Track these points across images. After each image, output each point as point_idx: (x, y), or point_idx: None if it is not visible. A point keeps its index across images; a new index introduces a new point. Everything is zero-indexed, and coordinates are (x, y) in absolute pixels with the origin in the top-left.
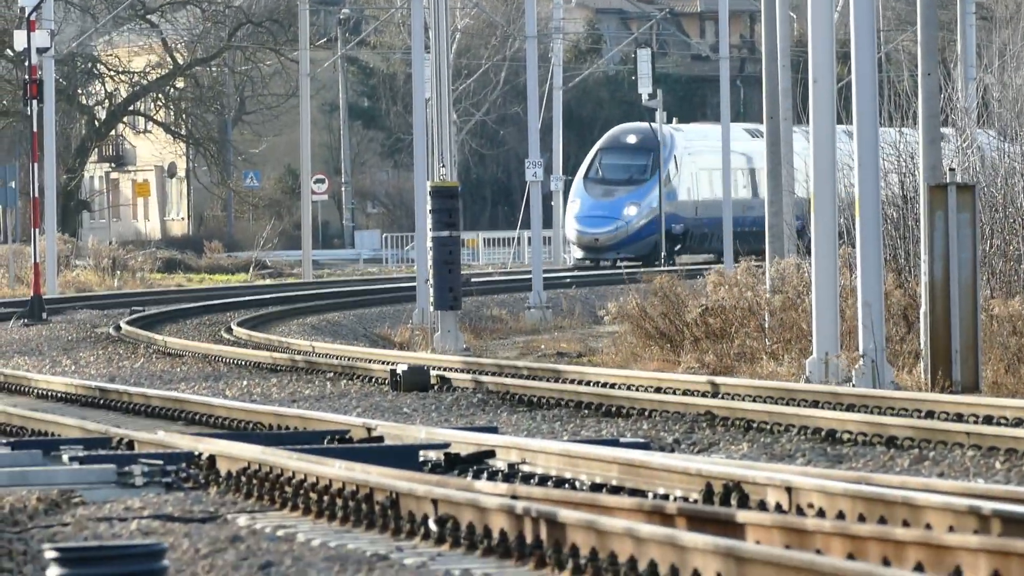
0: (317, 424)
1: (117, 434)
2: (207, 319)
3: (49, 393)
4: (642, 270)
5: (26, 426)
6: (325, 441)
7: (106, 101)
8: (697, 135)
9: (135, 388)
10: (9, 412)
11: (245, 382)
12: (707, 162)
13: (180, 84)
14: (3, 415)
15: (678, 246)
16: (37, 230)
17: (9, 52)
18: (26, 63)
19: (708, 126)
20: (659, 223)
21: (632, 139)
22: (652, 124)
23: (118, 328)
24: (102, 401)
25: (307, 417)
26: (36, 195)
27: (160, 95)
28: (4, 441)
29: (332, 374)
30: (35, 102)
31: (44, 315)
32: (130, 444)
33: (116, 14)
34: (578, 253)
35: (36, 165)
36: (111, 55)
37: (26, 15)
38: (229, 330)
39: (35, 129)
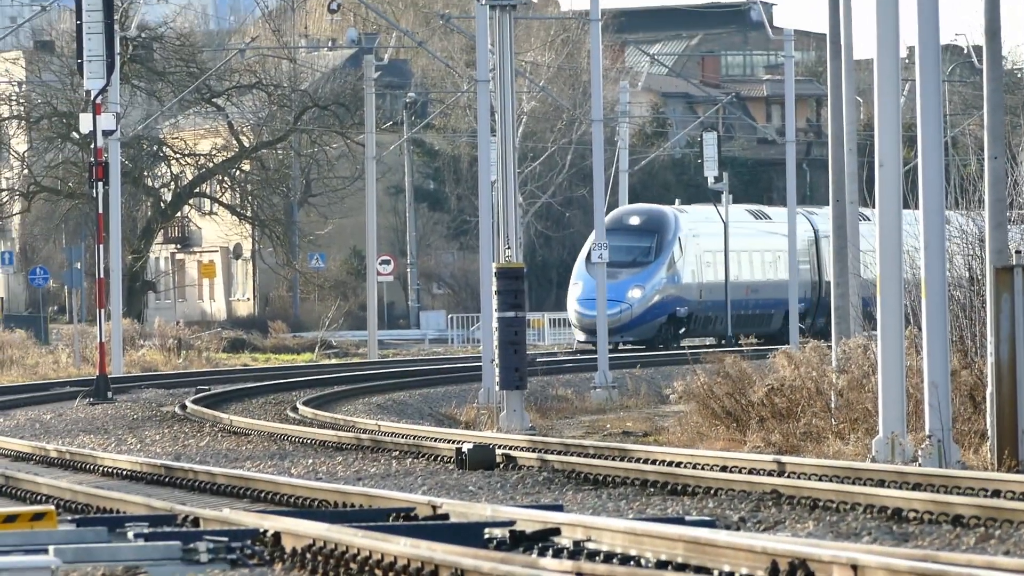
0: (382, 502)
1: (182, 511)
2: (272, 398)
3: (115, 471)
4: (645, 353)
5: (92, 503)
6: (390, 518)
7: (172, 183)
8: (700, 216)
9: (200, 466)
10: (75, 490)
11: (311, 460)
12: (710, 244)
13: (246, 167)
14: (69, 493)
15: (683, 329)
16: (102, 310)
17: (75, 135)
18: (92, 146)
19: (710, 207)
20: (663, 306)
21: (635, 220)
22: (657, 206)
23: (184, 407)
24: (168, 479)
25: (372, 495)
26: (101, 276)
27: (226, 177)
28: (70, 518)
29: (398, 452)
30: (101, 184)
31: (110, 394)
32: (195, 521)
33: (182, 97)
34: (580, 335)
35: (102, 247)
36: (177, 138)
37: (92, 98)
38: (295, 409)
39: (101, 211)
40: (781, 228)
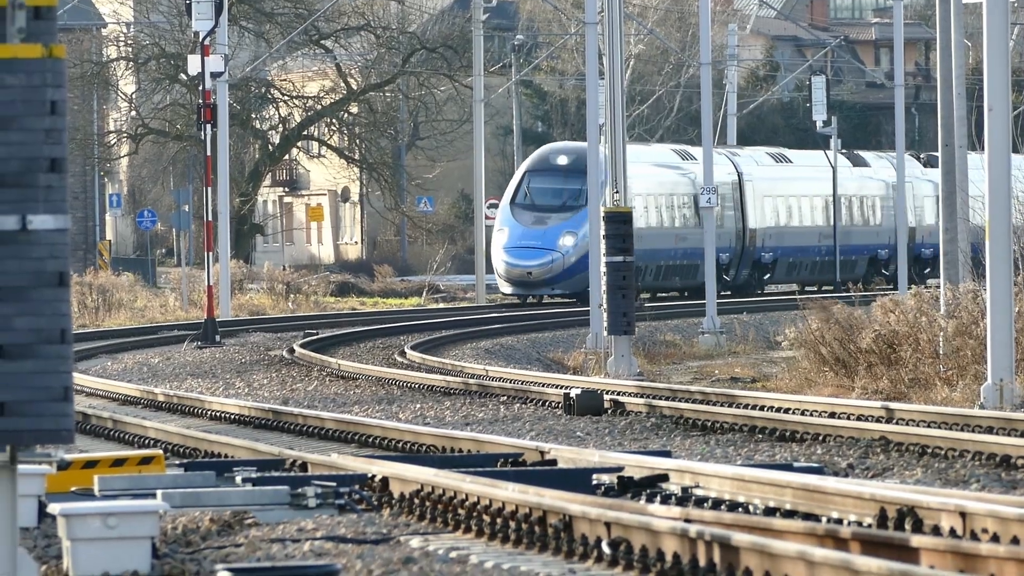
0: (490, 447)
1: (290, 456)
2: (380, 343)
3: (223, 415)
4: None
5: (199, 448)
6: (498, 464)
7: (280, 126)
8: (631, 156)
9: (309, 411)
10: (183, 434)
11: (418, 405)
12: (642, 186)
13: (354, 109)
14: (177, 437)
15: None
16: (211, 253)
17: (183, 77)
18: (200, 88)
19: (640, 147)
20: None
21: (564, 160)
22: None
23: (292, 351)
24: (275, 423)
25: (480, 440)
26: (209, 219)
27: (334, 120)
28: (178, 462)
29: (505, 398)
30: (209, 127)
31: (218, 338)
32: (303, 466)
33: (290, 39)
34: (506, 288)
35: (210, 189)
36: (285, 80)
37: (200, 40)
38: (403, 353)
39: (209, 153)
40: (697, 168)
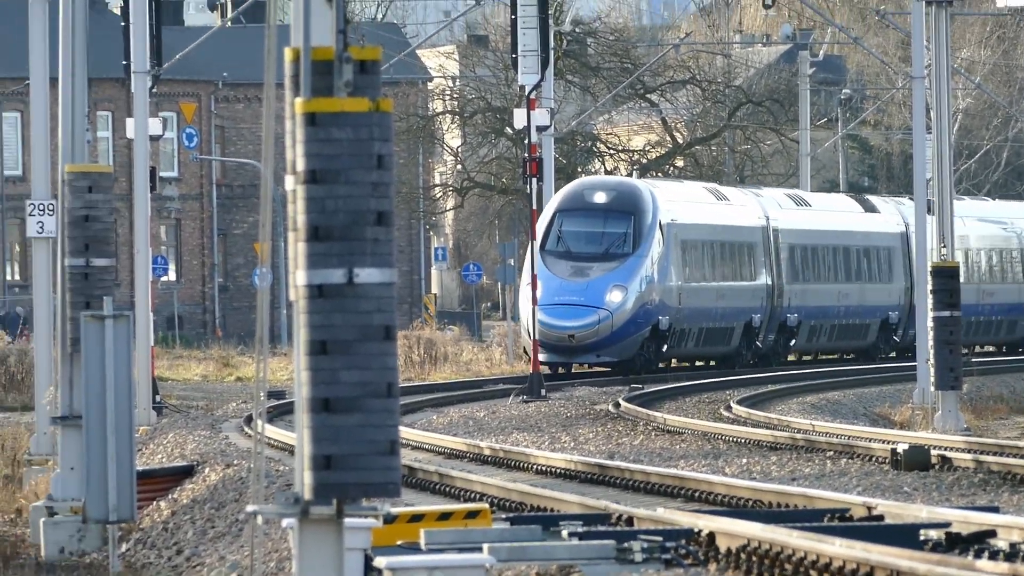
0: (817, 502)
1: (616, 510)
2: (706, 397)
3: (548, 469)
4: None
5: (525, 501)
6: (825, 519)
7: None
8: (681, 194)
9: (635, 465)
10: (509, 487)
11: (744, 460)
12: (699, 233)
13: (679, 163)
14: (503, 491)
15: (664, 346)
16: (534, 307)
17: (509, 130)
18: (526, 141)
19: (690, 184)
20: (647, 314)
21: (603, 198)
22: (627, 178)
23: (617, 405)
24: (601, 478)
25: (807, 495)
26: (535, 272)
27: (659, 173)
28: (504, 516)
29: (832, 452)
30: (535, 180)
31: (543, 392)
32: (629, 520)
33: (616, 93)
34: (539, 354)
35: (535, 242)
36: (611, 133)
37: (526, 93)
38: (728, 408)
39: (535, 207)
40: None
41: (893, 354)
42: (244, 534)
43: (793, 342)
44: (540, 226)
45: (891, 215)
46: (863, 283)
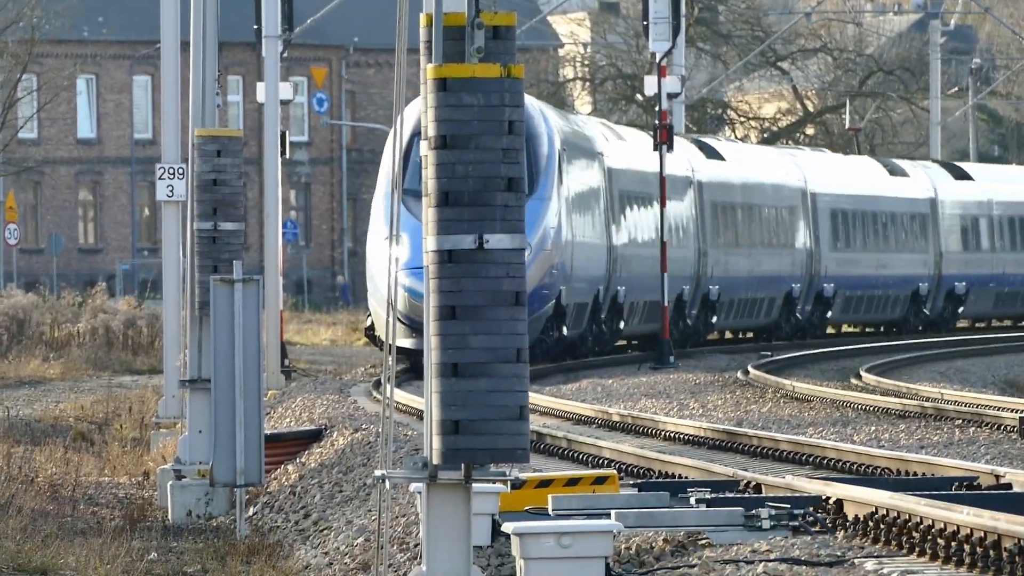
0: (945, 470)
1: (744, 477)
2: (834, 365)
3: (677, 436)
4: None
5: (653, 468)
6: (952, 487)
7: None
8: (575, 124)
9: (763, 432)
10: (637, 454)
11: (873, 427)
12: (626, 167)
13: (810, 131)
14: (632, 457)
15: (565, 325)
16: (665, 274)
17: (639, 97)
18: (656, 108)
19: (585, 118)
20: (557, 275)
21: None
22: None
23: (746, 372)
24: (729, 444)
25: (934, 463)
26: (664, 239)
27: (790, 141)
28: (632, 483)
29: (960, 421)
30: (664, 147)
31: (672, 359)
32: (757, 488)
33: (747, 61)
34: (402, 337)
35: (665, 210)
36: (741, 101)
37: (657, 60)
38: (857, 375)
39: (663, 174)
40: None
41: (921, 328)
42: (372, 498)
43: (829, 313)
44: (391, 157)
45: (920, 181)
46: (892, 253)
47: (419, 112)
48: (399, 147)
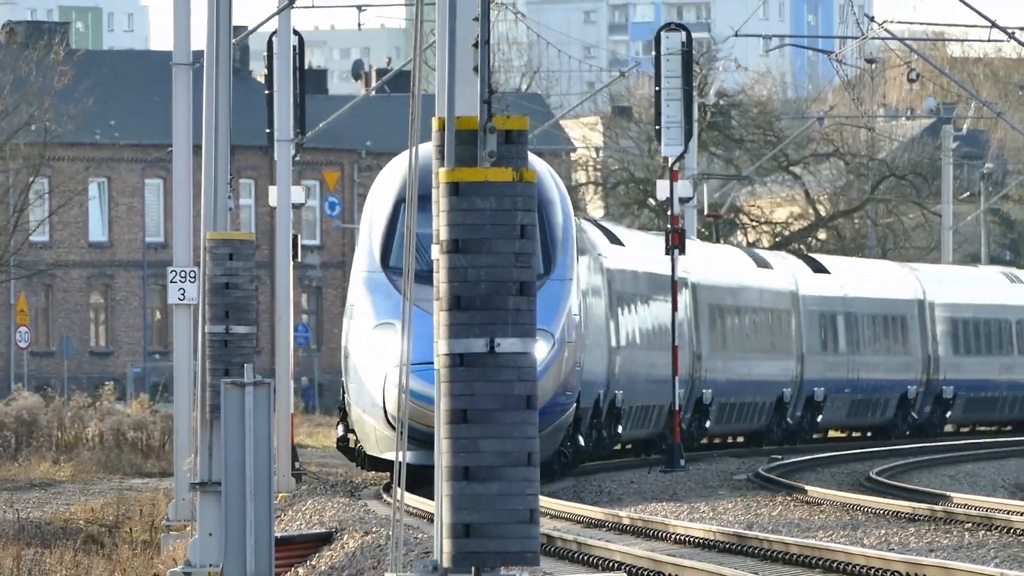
0: (954, 574)
1: None
2: (845, 468)
3: (687, 539)
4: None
5: (663, 571)
6: None
7: None
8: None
9: (773, 535)
10: (648, 557)
11: (883, 531)
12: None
13: (822, 235)
14: (642, 560)
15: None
16: (677, 377)
17: (651, 201)
18: (668, 212)
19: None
20: (579, 373)
21: None
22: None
23: (757, 475)
24: (740, 548)
25: (944, 566)
26: (676, 344)
27: (801, 246)
28: None
29: (970, 524)
30: (676, 251)
31: (682, 462)
32: None
33: (759, 165)
34: (384, 434)
35: (676, 313)
36: (753, 205)
37: (669, 165)
38: (868, 479)
39: (675, 279)
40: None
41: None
42: None
43: (820, 418)
44: (372, 224)
45: (908, 281)
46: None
47: (402, 177)
48: (386, 217)
